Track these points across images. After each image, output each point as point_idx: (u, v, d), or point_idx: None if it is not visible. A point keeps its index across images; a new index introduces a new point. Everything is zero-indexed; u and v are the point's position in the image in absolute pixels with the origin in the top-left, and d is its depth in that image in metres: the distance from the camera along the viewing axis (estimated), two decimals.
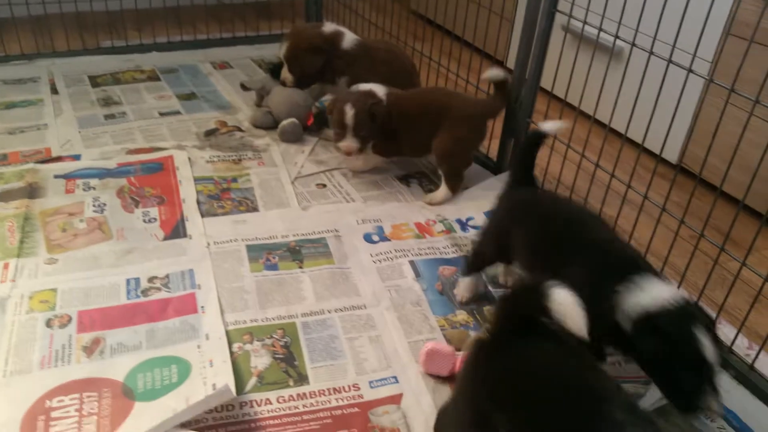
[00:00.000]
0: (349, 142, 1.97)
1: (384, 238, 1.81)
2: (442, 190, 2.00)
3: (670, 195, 1.54)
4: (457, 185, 2.01)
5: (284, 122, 2.22)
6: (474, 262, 1.58)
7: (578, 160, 1.80)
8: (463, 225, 1.90)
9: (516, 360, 0.98)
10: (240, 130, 2.29)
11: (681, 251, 1.64)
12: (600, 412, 0.86)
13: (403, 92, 2.04)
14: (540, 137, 1.49)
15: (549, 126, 1.47)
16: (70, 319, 1.42)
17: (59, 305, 1.46)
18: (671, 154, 2.12)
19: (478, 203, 1.98)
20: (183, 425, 1.14)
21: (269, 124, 2.28)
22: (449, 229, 1.87)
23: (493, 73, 1.97)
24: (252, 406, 1.27)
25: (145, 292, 1.52)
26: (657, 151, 1.61)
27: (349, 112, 1.93)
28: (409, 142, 2.02)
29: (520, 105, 2.02)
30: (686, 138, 2.07)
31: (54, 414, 1.21)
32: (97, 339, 1.38)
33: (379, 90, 1.99)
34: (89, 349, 1.35)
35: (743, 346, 1.49)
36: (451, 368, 1.38)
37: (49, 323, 1.41)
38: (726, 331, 1.48)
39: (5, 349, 1.34)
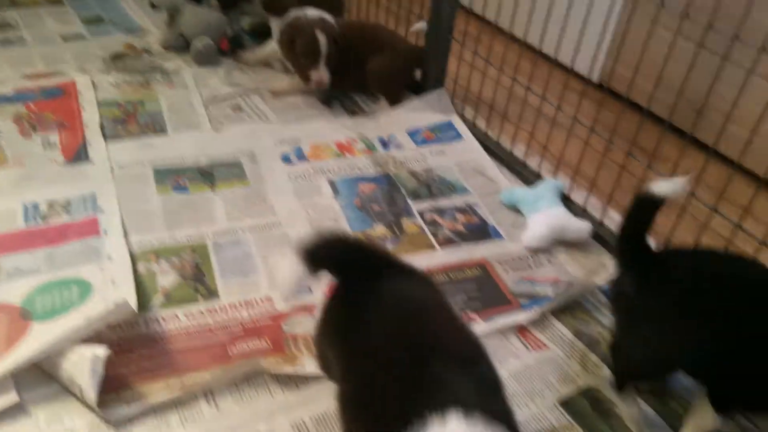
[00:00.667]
0: (323, 72, 1.88)
1: (303, 159, 1.77)
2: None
3: (597, 117, 1.52)
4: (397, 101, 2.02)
5: (197, 43, 2.12)
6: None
7: (510, 85, 1.77)
8: (385, 143, 1.87)
9: (353, 301, 0.91)
10: (149, 53, 2.18)
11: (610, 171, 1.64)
12: (425, 365, 0.78)
13: (346, 21, 1.97)
14: (657, 204, 1.00)
15: (667, 187, 0.99)
16: None
17: None
18: (595, 75, 2.12)
19: (399, 122, 1.95)
20: (86, 342, 1.09)
21: (180, 45, 2.17)
22: (370, 149, 1.84)
23: (419, 26, 1.99)
24: (159, 323, 1.24)
25: (44, 218, 1.44)
26: (583, 73, 1.58)
27: (322, 39, 1.84)
28: (350, 72, 1.96)
29: (440, 22, 1.97)
30: (612, 58, 2.07)
31: None
32: None
33: (328, 17, 1.91)
34: None
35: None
36: None
37: None
38: None
39: None
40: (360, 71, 1.97)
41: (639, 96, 1.56)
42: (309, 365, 1.17)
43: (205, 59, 2.12)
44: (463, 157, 1.82)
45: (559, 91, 1.61)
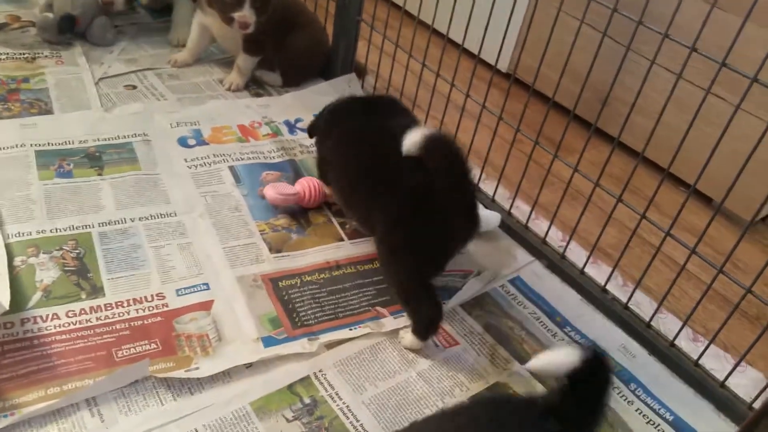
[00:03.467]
0: (247, 12, 1.70)
1: (202, 142, 1.67)
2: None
3: (505, 105, 1.50)
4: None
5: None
6: None
7: (419, 71, 1.73)
8: (291, 127, 1.80)
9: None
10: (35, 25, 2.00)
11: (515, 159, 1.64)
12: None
13: None
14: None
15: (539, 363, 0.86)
16: None
17: None
18: (503, 64, 2.12)
19: (306, 105, 1.88)
20: None
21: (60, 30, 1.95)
22: (276, 132, 1.77)
23: None
24: (36, 322, 1.13)
25: None
26: (492, 62, 1.56)
27: None
28: (266, 41, 1.86)
29: (349, 2, 1.92)
30: (519, 48, 2.07)
31: None
32: None
33: None
34: None
35: (557, 239, 1.54)
36: (299, 196, 1.48)
37: None
38: (543, 226, 1.52)
39: None
40: (278, 43, 1.87)
41: (545, 86, 1.56)
42: (204, 367, 1.11)
43: (98, 39, 1.95)
44: None
45: (467, 79, 1.59)
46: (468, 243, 1.26)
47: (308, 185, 1.51)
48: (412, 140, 1.13)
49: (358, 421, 1.09)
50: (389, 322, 1.28)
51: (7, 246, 1.25)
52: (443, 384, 1.18)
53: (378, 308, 1.30)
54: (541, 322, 1.35)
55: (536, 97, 1.49)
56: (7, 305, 1.08)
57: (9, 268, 1.20)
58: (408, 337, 1.22)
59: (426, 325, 1.20)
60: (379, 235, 1.25)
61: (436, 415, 0.90)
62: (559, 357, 0.80)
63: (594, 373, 0.80)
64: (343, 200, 1.39)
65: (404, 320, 1.27)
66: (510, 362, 1.24)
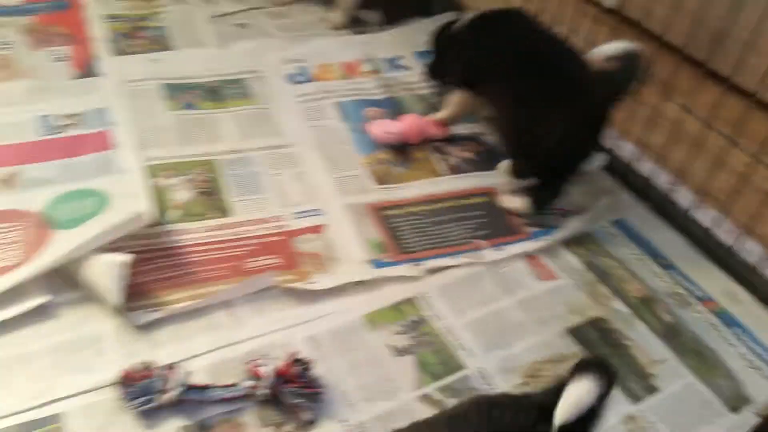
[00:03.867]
0: None
1: (309, 79, 1.77)
2: None
3: None
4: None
5: None
6: None
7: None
8: (392, 64, 1.87)
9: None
10: None
11: None
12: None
13: None
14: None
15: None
16: None
17: None
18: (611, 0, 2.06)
19: (406, 43, 1.93)
20: (109, 250, 1.14)
21: None
22: (377, 69, 1.84)
23: None
24: (175, 235, 1.28)
25: (58, 129, 1.46)
26: None
27: None
28: None
29: None
30: None
31: None
32: (12, 173, 1.34)
33: None
34: (6, 182, 1.32)
35: (664, 182, 1.52)
36: (403, 134, 1.56)
37: None
38: (649, 168, 1.53)
39: None
40: None
41: (655, 23, 1.53)
42: (321, 281, 1.23)
43: None
44: None
45: (571, 16, 1.60)
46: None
47: (412, 123, 1.59)
48: (612, 49, 1.21)
49: (458, 340, 1.20)
50: (489, 254, 1.36)
51: (146, 168, 1.40)
52: (542, 313, 1.26)
53: (478, 241, 1.39)
54: (644, 263, 1.38)
55: (645, 35, 1.48)
56: (153, 217, 1.23)
57: (148, 188, 1.34)
58: (518, 200, 1.41)
59: (545, 199, 1.39)
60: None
61: (434, 418, 0.91)
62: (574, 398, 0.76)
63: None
64: (503, 105, 1.44)
65: (497, 253, 1.35)
66: (610, 299, 1.30)
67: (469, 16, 1.50)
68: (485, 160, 1.59)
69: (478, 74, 1.48)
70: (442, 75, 1.61)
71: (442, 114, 1.62)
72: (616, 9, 1.62)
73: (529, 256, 1.37)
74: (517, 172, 1.45)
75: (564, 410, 0.75)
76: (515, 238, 1.41)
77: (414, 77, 1.81)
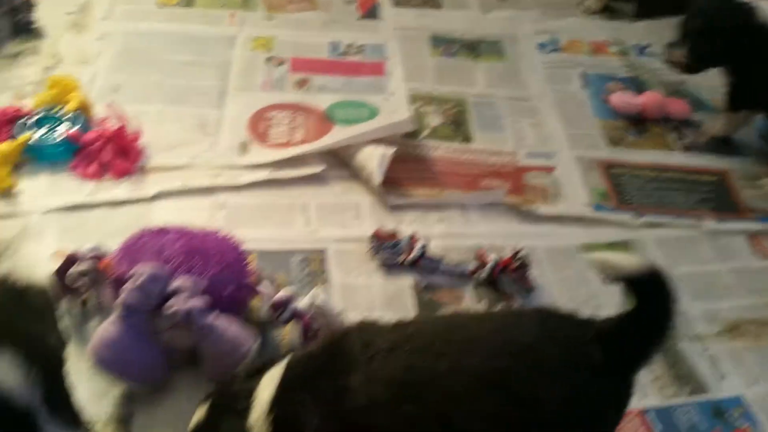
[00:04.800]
0: None
1: (557, 50, 1.91)
2: None
3: None
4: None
5: None
6: None
7: None
8: (641, 51, 1.94)
9: None
10: None
11: None
12: None
13: None
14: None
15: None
16: (284, 61, 1.70)
17: (276, 49, 1.73)
18: None
19: (658, 34, 1.98)
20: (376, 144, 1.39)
21: None
22: (624, 53, 1.93)
23: None
24: (426, 148, 1.50)
25: (344, 54, 1.76)
26: None
27: None
28: None
29: None
30: None
31: (272, 121, 1.51)
32: (305, 79, 1.65)
33: None
34: (299, 84, 1.63)
35: None
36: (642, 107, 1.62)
37: (268, 61, 1.69)
38: None
39: (236, 70, 1.64)
40: None
41: None
42: (543, 209, 1.38)
43: None
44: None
45: None
46: None
47: (654, 98, 1.67)
48: None
49: None
50: (711, 224, 1.40)
51: (409, 95, 1.64)
52: (754, 284, 1.29)
53: (701, 210, 1.43)
54: None
55: None
56: (414, 126, 1.48)
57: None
58: None
59: None
60: None
61: (491, 313, 0.93)
62: (622, 260, 0.75)
63: (653, 301, 0.74)
64: None
65: (718, 225, 1.40)
66: None
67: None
68: (720, 146, 1.61)
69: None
70: (705, 65, 1.54)
71: (717, 128, 1.62)
72: None
73: (752, 236, 1.39)
74: None
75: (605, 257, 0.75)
76: (740, 216, 1.43)
77: (661, 64, 1.86)
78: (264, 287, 1.02)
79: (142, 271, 0.94)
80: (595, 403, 0.75)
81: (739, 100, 1.53)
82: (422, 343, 0.77)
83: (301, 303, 0.99)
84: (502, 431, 0.74)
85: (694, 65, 1.53)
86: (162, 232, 1.01)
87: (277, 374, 0.79)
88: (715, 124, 1.62)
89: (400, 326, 0.82)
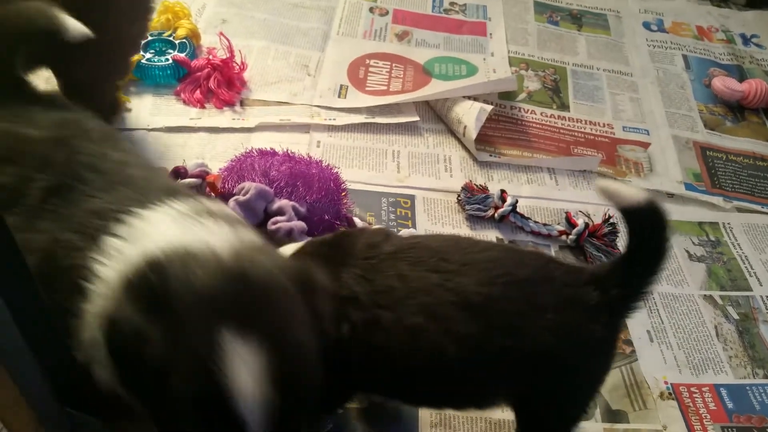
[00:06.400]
0: None
1: (663, 30, 1.87)
2: None
3: None
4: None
5: None
6: None
7: None
8: (746, 40, 1.88)
9: None
10: None
11: None
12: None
13: None
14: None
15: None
16: (387, 12, 1.72)
17: (379, 0, 1.75)
18: None
19: (766, 24, 1.93)
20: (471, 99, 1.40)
21: None
22: (730, 40, 1.87)
23: None
24: (521, 111, 1.50)
25: (446, 11, 1.76)
26: None
27: None
28: None
29: None
30: None
31: (371, 69, 1.53)
32: (406, 31, 1.67)
33: None
34: (400, 37, 1.65)
35: None
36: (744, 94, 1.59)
37: (371, 10, 1.72)
38: None
39: (340, 16, 1.67)
40: None
41: None
42: (634, 182, 1.37)
43: None
44: None
45: None
46: None
47: (756, 87, 1.62)
48: None
49: (753, 269, 1.25)
50: None
51: (509, 58, 1.63)
52: None
53: None
54: None
55: None
56: (513, 86, 1.47)
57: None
58: None
59: None
60: None
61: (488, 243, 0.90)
62: (626, 190, 0.75)
63: (647, 234, 0.74)
64: None
65: None
66: None
67: None
68: None
69: None
70: None
71: None
72: None
73: None
74: None
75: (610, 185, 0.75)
76: None
77: (767, 55, 1.81)
78: (357, 221, 1.06)
79: (249, 186, 0.99)
80: (584, 344, 0.74)
81: None
82: (422, 255, 0.76)
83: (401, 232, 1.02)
84: (475, 357, 0.73)
85: None
86: (269, 153, 1.05)
87: (293, 248, 0.82)
88: None
89: (409, 238, 0.83)
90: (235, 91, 1.39)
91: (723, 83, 1.65)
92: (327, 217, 1.03)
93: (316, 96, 1.45)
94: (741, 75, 1.75)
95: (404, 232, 1.05)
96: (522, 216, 1.23)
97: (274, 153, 1.06)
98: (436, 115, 1.45)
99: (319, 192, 1.02)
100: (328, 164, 1.11)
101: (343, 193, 1.08)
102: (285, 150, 1.10)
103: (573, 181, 1.37)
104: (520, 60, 1.66)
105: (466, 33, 1.70)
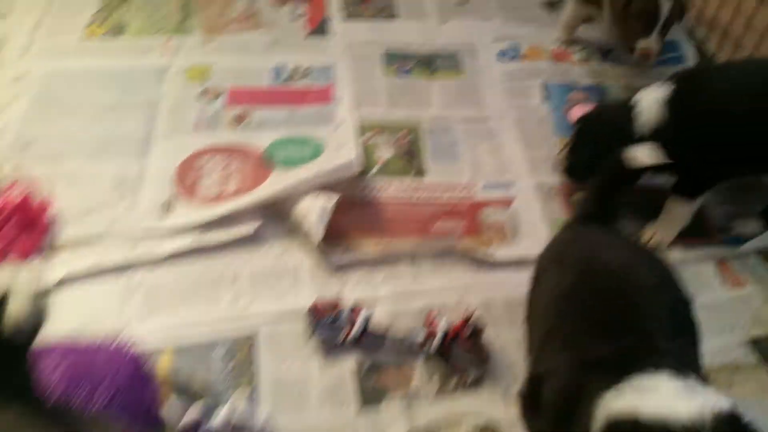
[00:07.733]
0: (654, 43, 1.54)
1: (517, 58, 1.79)
2: None
3: None
4: None
5: None
6: None
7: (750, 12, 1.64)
8: (605, 55, 1.83)
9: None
10: None
11: None
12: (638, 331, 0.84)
13: None
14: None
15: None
16: (220, 94, 1.57)
17: (212, 79, 1.61)
18: None
19: None
20: (314, 192, 1.28)
21: None
22: (588, 59, 1.82)
23: None
24: (374, 189, 1.39)
25: (288, 80, 1.63)
26: None
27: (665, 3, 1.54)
28: None
29: None
30: None
31: (204, 169, 1.39)
32: (244, 113, 1.53)
33: None
34: (238, 119, 1.51)
35: None
36: None
37: (201, 95, 1.57)
38: None
39: (165, 110, 1.51)
40: None
41: None
42: (499, 252, 1.28)
43: None
44: None
45: None
46: None
47: None
48: None
49: None
50: (678, 254, 1.31)
51: (360, 125, 1.52)
52: (724, 320, 1.22)
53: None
54: None
55: None
56: (360, 168, 1.36)
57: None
58: None
59: None
60: None
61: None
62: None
63: None
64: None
65: (692, 254, 1.32)
66: None
67: None
68: None
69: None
70: None
71: None
72: None
73: (719, 261, 1.32)
74: None
75: None
76: (707, 241, 1.35)
77: (627, 69, 1.76)
78: (170, 408, 0.91)
79: None
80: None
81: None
82: None
83: (217, 420, 0.89)
84: None
85: None
86: (44, 353, 0.84)
87: None
88: None
89: None
90: (38, 235, 1.22)
91: (581, 112, 1.57)
92: (121, 425, 0.82)
93: (137, 219, 1.29)
94: (602, 96, 1.69)
95: (233, 405, 0.91)
96: (377, 335, 1.12)
97: (50, 351, 0.86)
98: (280, 214, 1.32)
99: (108, 391, 0.83)
100: (124, 343, 0.91)
101: (144, 380, 0.89)
102: (68, 341, 0.90)
103: (434, 267, 1.28)
104: (372, 125, 1.55)
105: (311, 102, 1.58)
